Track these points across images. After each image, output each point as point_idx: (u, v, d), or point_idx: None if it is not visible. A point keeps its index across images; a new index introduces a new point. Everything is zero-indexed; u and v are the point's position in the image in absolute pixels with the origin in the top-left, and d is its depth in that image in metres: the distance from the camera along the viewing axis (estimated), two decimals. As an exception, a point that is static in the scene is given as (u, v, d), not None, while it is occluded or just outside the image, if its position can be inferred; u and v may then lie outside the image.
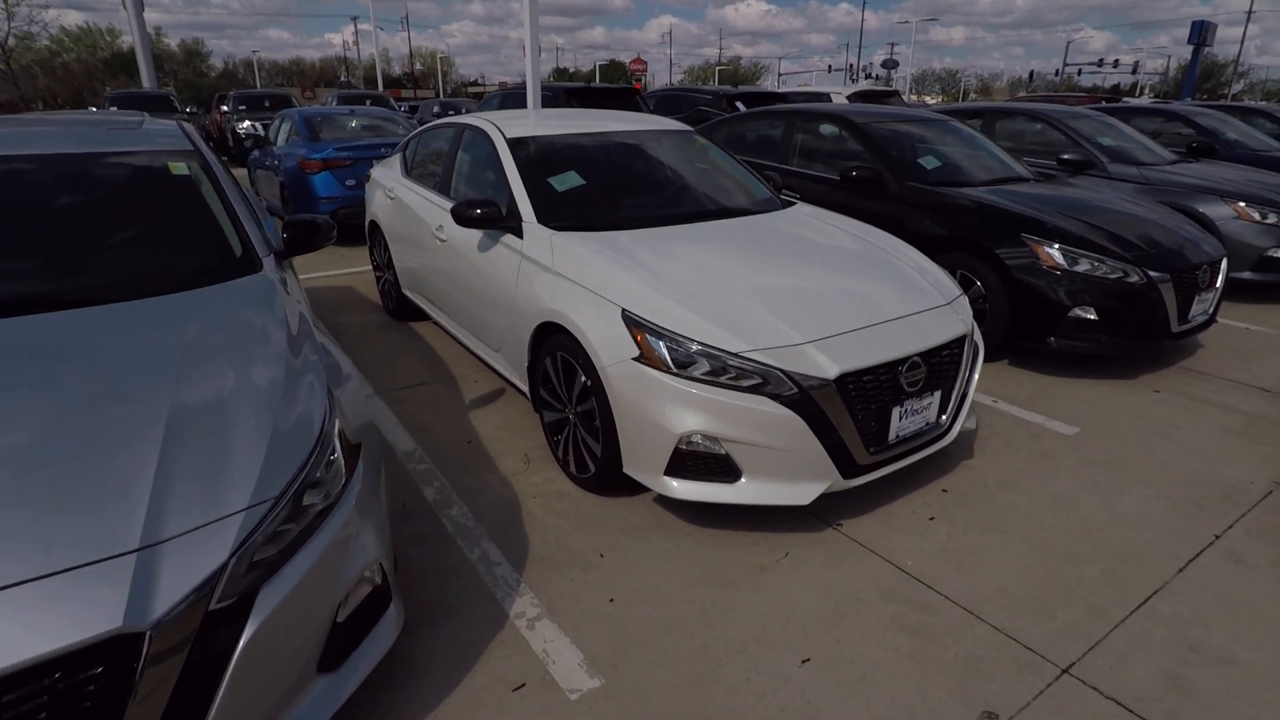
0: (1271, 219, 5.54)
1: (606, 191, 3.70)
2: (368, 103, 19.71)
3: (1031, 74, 73.23)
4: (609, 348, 2.68)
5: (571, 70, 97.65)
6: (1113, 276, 3.94)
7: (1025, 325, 4.18)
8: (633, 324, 2.64)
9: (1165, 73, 66.74)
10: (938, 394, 2.81)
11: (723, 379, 2.49)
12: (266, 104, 18.50)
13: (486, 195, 3.73)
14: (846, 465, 2.61)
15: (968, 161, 5.28)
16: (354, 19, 75.15)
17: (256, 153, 9.83)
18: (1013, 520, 2.85)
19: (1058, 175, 5.40)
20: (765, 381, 2.48)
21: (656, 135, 4.18)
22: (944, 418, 2.90)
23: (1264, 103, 12.09)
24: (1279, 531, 2.78)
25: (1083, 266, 3.97)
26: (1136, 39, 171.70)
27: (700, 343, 2.52)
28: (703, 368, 2.51)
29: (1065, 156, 6.28)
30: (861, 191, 4.91)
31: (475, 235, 3.66)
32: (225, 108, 19.03)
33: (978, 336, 3.11)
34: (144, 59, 23.30)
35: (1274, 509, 2.93)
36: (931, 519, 2.86)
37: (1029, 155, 6.70)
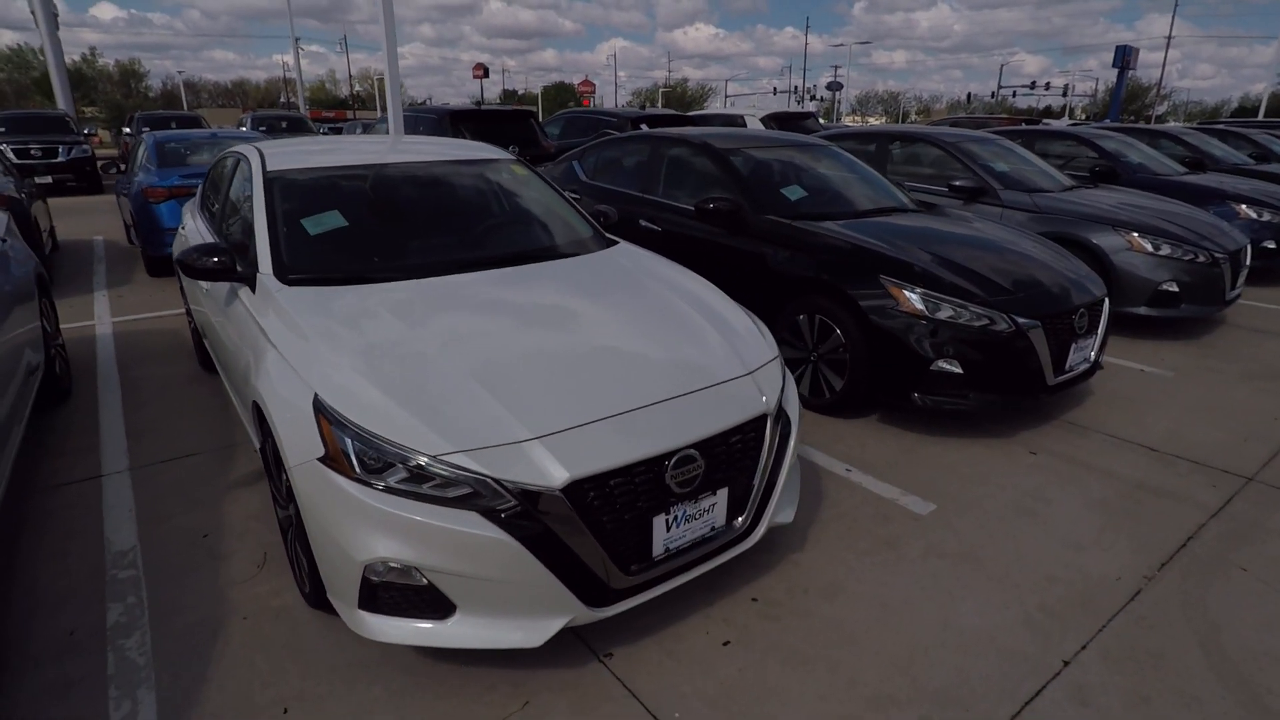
0: (1165, 250, 5.21)
1: (374, 234, 3.09)
2: (283, 125, 18.88)
3: (969, 96, 75.26)
4: (298, 442, 2.06)
5: (520, 92, 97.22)
6: (977, 324, 3.48)
7: (887, 380, 3.69)
8: (321, 413, 2.03)
9: (1094, 95, 69.24)
10: (725, 491, 2.25)
11: (424, 489, 1.89)
12: (173, 125, 17.49)
13: (238, 237, 3.11)
14: (594, 592, 2.02)
15: (841, 191, 4.83)
16: (296, 39, 73.33)
17: (121, 179, 9.03)
18: (825, 643, 2.30)
19: (938, 206, 4.98)
20: (476, 493, 1.89)
21: (461, 166, 3.59)
22: (740, 519, 2.33)
23: (1174, 124, 12.12)
24: (1139, 651, 2.28)
25: (945, 313, 3.50)
26: (1068, 62, 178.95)
27: (393, 442, 1.92)
28: (398, 475, 1.91)
29: (957, 183, 5.91)
30: (721, 225, 4.40)
31: (223, 285, 3.03)
32: (128, 129, 17.97)
33: (793, 408, 2.57)
34: (58, 79, 22.05)
35: (1139, 617, 2.44)
36: (726, 643, 2.29)
37: (925, 182, 6.33)
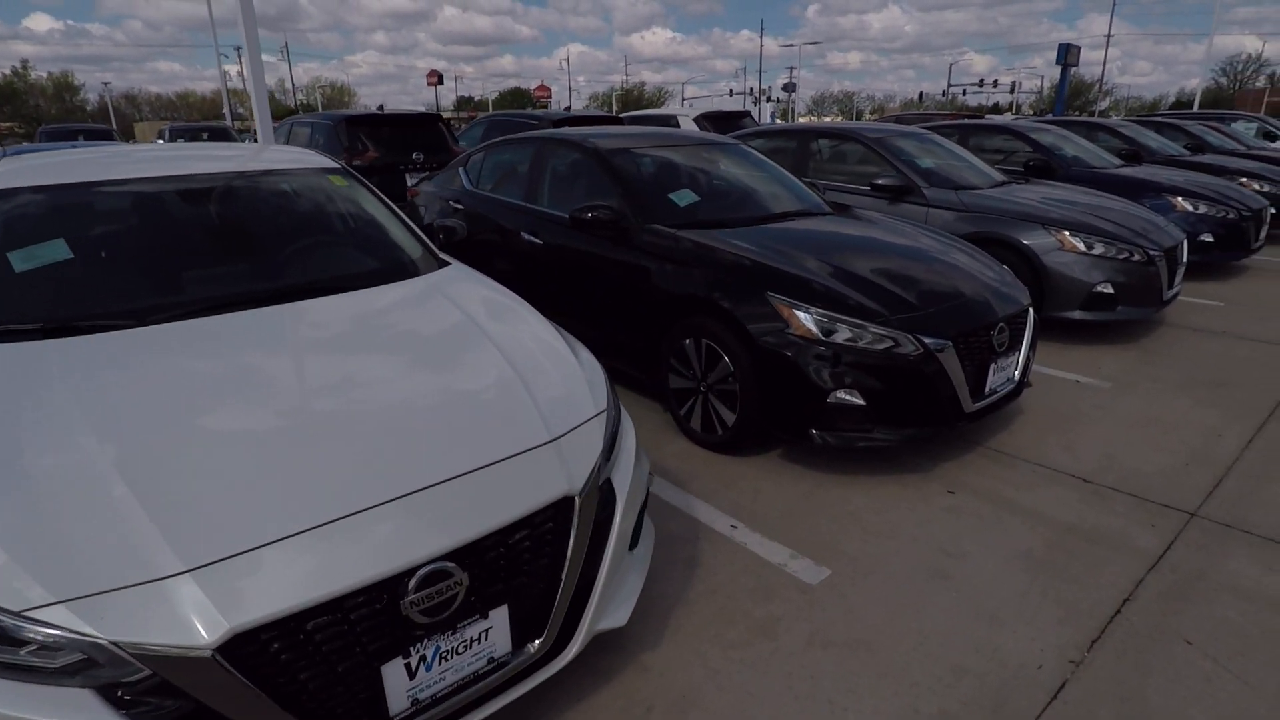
0: (1098, 249, 4.79)
1: (108, 268, 2.45)
2: (205, 135, 17.95)
3: (921, 95, 76.27)
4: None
5: (476, 98, 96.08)
6: (879, 348, 2.96)
7: (780, 414, 3.16)
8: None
9: (1040, 92, 70.62)
10: (503, 610, 1.68)
11: (23, 655, 1.29)
12: (80, 138, 16.49)
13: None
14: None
15: (742, 195, 4.32)
16: (237, 49, 71.46)
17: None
18: (657, 797, 1.74)
19: (852, 209, 4.49)
20: (89, 661, 1.29)
21: (258, 178, 2.98)
22: (536, 642, 1.77)
23: (1112, 118, 11.96)
24: (1060, 785, 1.76)
25: (842, 335, 2.98)
26: (1014, 61, 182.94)
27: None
28: (-18, 632, 1.30)
29: (880, 182, 5.45)
30: (601, 236, 3.85)
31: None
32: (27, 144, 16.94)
33: (624, 476, 2.02)
34: None
35: (1061, 726, 1.93)
36: (528, 806, 1.72)
37: (850, 181, 5.86)
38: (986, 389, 3.22)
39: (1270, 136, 14.55)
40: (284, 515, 1.48)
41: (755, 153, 4.87)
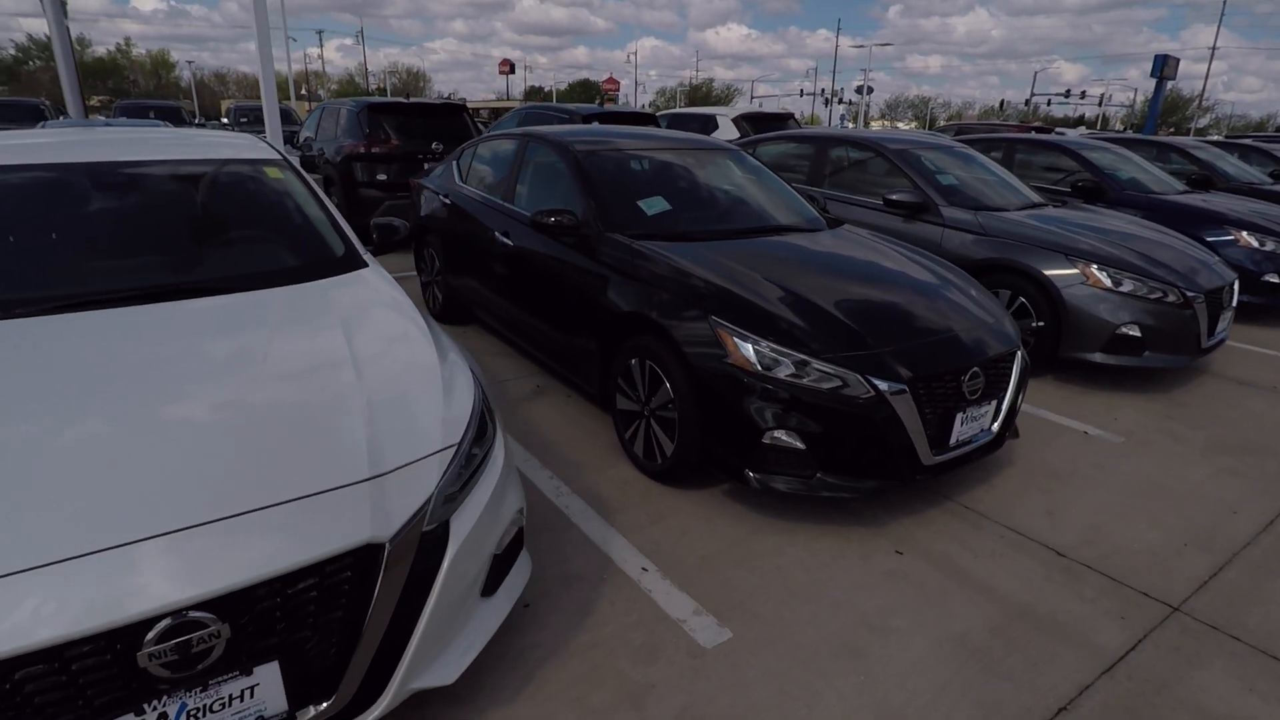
0: (1127, 286, 4.32)
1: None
2: (151, 114, 17.77)
3: (1002, 103, 73.24)
4: None
5: (547, 89, 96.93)
6: (825, 386, 2.66)
7: (715, 449, 2.89)
8: None
9: (1132, 105, 66.93)
10: (274, 667, 1.49)
11: None
12: (150, 114, 17.06)
13: None
14: None
15: (721, 205, 4.03)
16: (319, 33, 74.07)
17: None
18: None
19: (846, 226, 4.14)
20: None
21: (180, 166, 2.88)
22: (324, 704, 1.57)
23: (1184, 138, 11.10)
24: None
25: (784, 370, 2.69)
26: (1107, 71, 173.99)
27: None
28: None
29: (893, 197, 5.07)
30: (564, 243, 3.64)
31: None
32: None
33: (467, 518, 1.81)
34: (65, 66, 21.80)
35: None
36: None
37: (865, 194, 5.49)
38: (952, 440, 2.87)
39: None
40: (19, 547, 1.32)
41: (752, 160, 4.56)
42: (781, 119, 11.19)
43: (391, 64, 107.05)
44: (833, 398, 2.65)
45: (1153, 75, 38.91)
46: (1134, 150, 8.79)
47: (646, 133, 4.58)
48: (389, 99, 8.52)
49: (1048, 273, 4.44)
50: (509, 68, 74.21)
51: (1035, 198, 5.58)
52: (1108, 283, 4.32)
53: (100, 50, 74.18)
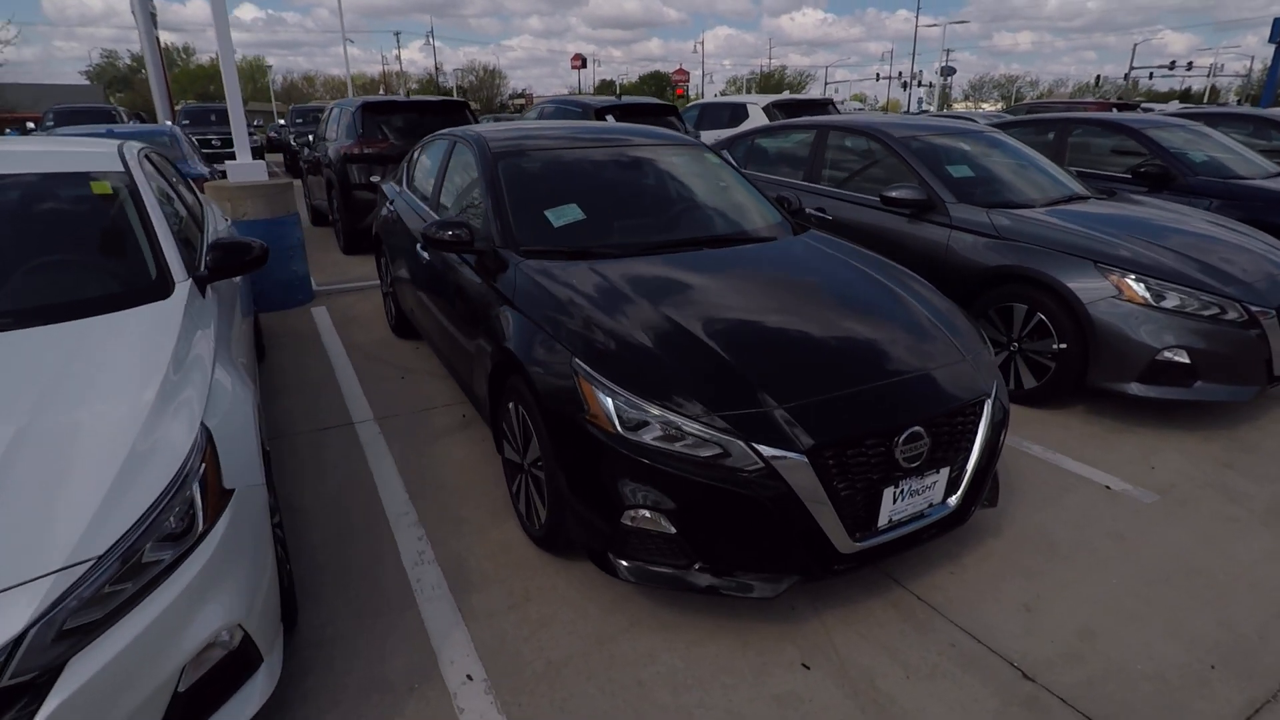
0: (1172, 300, 3.47)
1: None
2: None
3: (1098, 78, 68.33)
4: None
5: (617, 81, 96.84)
6: (701, 454, 2.05)
7: (579, 523, 2.33)
8: None
9: (1249, 74, 60.92)
10: None
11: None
12: (212, 118, 17.54)
13: None
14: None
15: (657, 212, 3.43)
16: (396, 34, 75.78)
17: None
18: None
19: (812, 232, 3.46)
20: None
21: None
22: None
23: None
24: None
25: (650, 433, 2.10)
26: (1220, 40, 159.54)
27: None
28: None
29: (891, 194, 4.33)
30: (470, 260, 3.14)
31: None
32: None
33: (94, 661, 1.33)
34: (154, 74, 22.79)
35: None
36: None
37: (866, 189, 4.75)
38: (882, 521, 2.21)
39: None
40: None
41: (715, 158, 3.92)
42: (820, 105, 10.32)
43: (469, 62, 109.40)
44: (710, 470, 2.04)
45: (1271, 40, 35.19)
46: (1222, 125, 7.61)
47: (596, 129, 3.99)
48: (386, 97, 8.19)
49: (1070, 284, 3.63)
50: (581, 62, 74.53)
51: (1076, 189, 4.70)
52: (1146, 296, 3.48)
53: (204, 58, 79.00)
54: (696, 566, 2.14)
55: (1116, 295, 3.53)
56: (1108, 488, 3.14)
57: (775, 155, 5.65)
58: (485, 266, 2.97)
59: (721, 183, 3.73)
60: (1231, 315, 3.42)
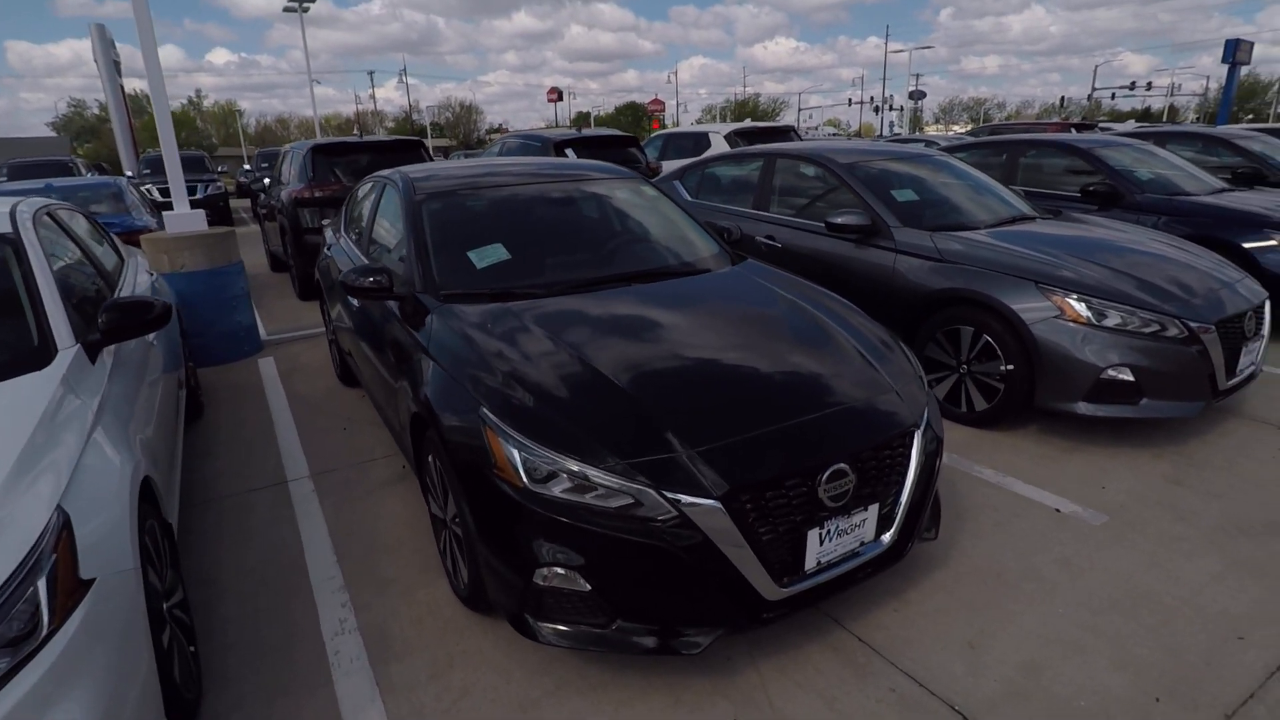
0: (1113, 319, 3.45)
1: None
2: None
3: (1063, 99, 69.98)
4: None
5: (598, 113, 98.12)
6: (613, 505, 1.96)
7: (490, 589, 2.22)
8: None
9: (1204, 94, 62.82)
10: None
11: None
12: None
13: None
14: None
15: (589, 249, 3.38)
16: (370, 73, 76.28)
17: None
18: None
19: (749, 264, 3.41)
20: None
21: None
22: None
23: (1234, 127, 9.84)
24: None
25: (560, 485, 2.00)
26: (1177, 60, 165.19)
27: None
28: None
29: (836, 220, 4.31)
30: (393, 306, 3.05)
31: None
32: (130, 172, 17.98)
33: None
34: (119, 123, 22.61)
35: None
36: None
37: (811, 215, 4.74)
38: (809, 564, 2.12)
39: None
40: None
41: (653, 190, 3.89)
42: (781, 132, 10.43)
43: (446, 98, 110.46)
44: (622, 521, 1.95)
45: (1225, 61, 36.40)
46: (1172, 144, 7.74)
47: (527, 165, 3.95)
48: (336, 139, 8.14)
49: (1013, 306, 3.60)
50: (557, 95, 75.47)
51: (1023, 209, 4.71)
52: (1088, 316, 3.46)
53: (175, 104, 79.20)
54: (615, 625, 2.03)
55: (1059, 315, 3.50)
56: (1058, 510, 3.08)
57: (727, 183, 5.65)
58: (406, 313, 2.89)
59: (658, 215, 3.69)
60: (1172, 332, 3.40)
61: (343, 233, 4.45)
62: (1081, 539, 2.87)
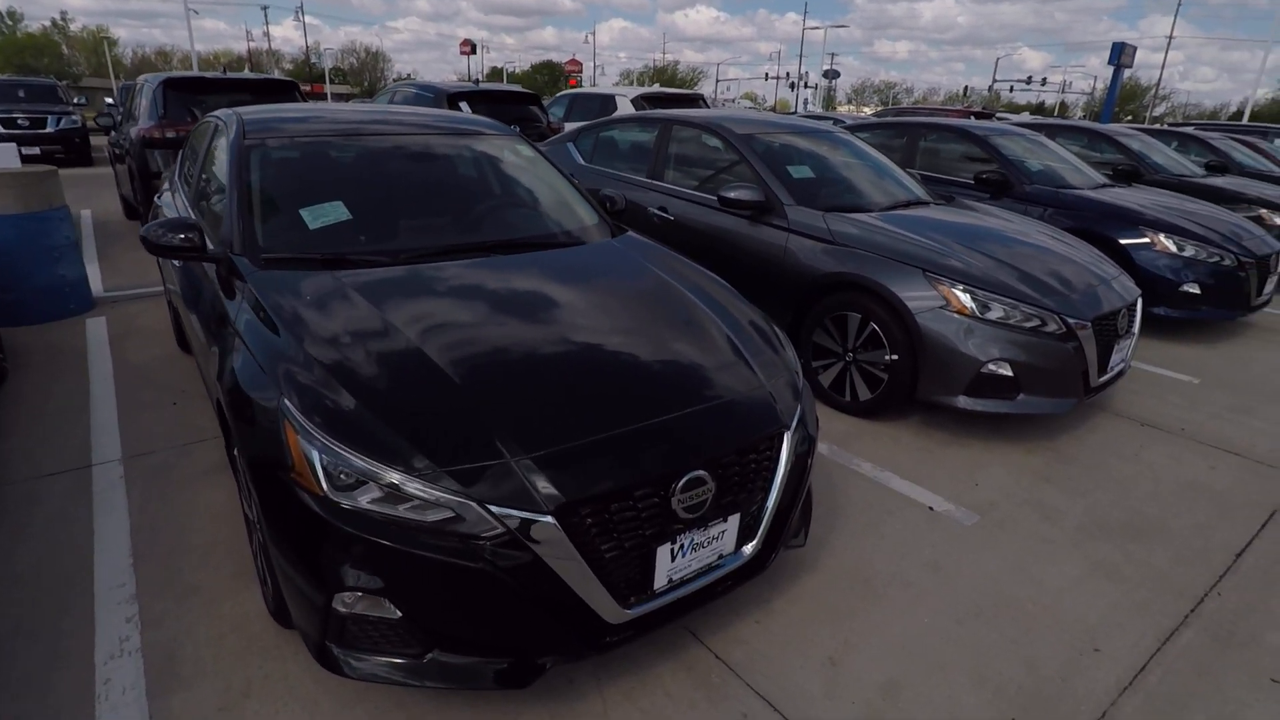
0: (995, 312, 3.39)
1: None
2: (21, 93, 15.90)
3: (966, 89, 72.96)
4: None
5: (513, 70, 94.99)
6: (430, 519, 1.66)
7: (293, 616, 1.89)
8: None
9: (1092, 92, 66.96)
10: None
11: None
12: (20, 94, 15.32)
13: None
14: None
15: (447, 211, 3.02)
16: (264, 8, 70.13)
17: None
18: None
19: (623, 236, 3.15)
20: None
21: None
22: None
23: (1119, 125, 10.34)
24: None
25: (366, 496, 1.69)
26: (1070, 59, 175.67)
27: None
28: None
29: (729, 195, 4.09)
30: (216, 272, 2.60)
31: None
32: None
33: None
34: None
35: None
36: None
37: (706, 189, 4.50)
38: (659, 582, 1.90)
39: (1320, 155, 12.65)
40: None
41: (530, 150, 3.53)
42: (690, 100, 10.14)
43: (350, 43, 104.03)
44: (440, 538, 1.66)
45: (1110, 63, 38.67)
46: (1060, 137, 7.96)
47: (384, 114, 3.50)
48: (194, 73, 7.25)
49: (900, 293, 3.50)
50: (470, 48, 72.39)
51: (918, 194, 4.64)
52: (972, 307, 3.39)
53: (34, 26, 70.87)
54: (430, 657, 1.75)
55: (944, 305, 3.42)
56: (931, 509, 3.00)
57: (622, 149, 5.34)
58: (220, 277, 2.46)
59: (533, 178, 3.36)
60: (1051, 327, 3.38)
61: (177, 181, 3.88)
62: (952, 540, 2.80)
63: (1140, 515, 3.02)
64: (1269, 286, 5.49)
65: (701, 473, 1.89)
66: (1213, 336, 5.48)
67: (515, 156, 3.44)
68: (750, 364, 2.27)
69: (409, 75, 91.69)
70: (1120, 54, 38.09)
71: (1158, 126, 11.76)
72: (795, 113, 34.28)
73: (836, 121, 8.74)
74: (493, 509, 1.66)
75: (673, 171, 4.79)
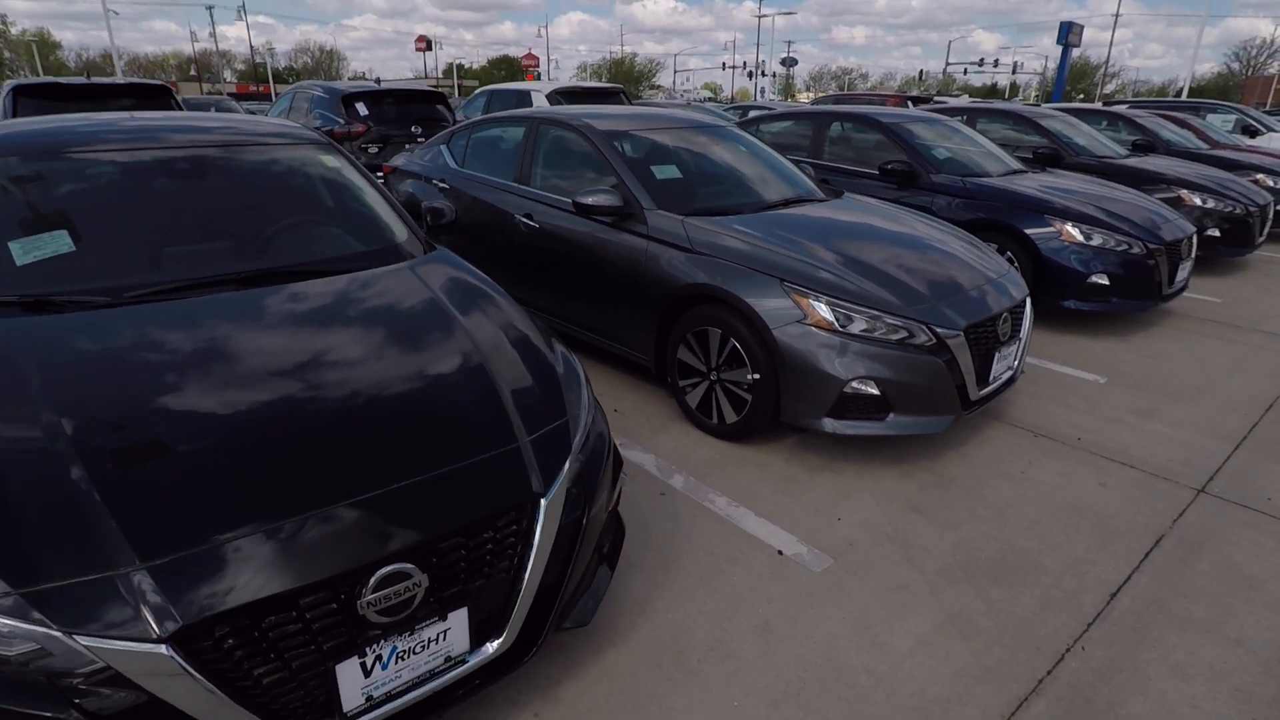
0: (859, 325, 3.06)
1: None
2: None
3: (921, 73, 73.27)
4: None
5: (469, 66, 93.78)
6: (14, 653, 1.27)
7: None
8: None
9: (1043, 73, 67.67)
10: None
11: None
12: None
13: None
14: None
15: (207, 233, 2.60)
16: (210, 8, 67.85)
17: None
18: None
19: (438, 251, 2.76)
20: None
21: None
22: None
23: (1044, 106, 10.15)
24: None
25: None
26: (1022, 40, 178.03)
27: None
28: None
29: (585, 200, 3.72)
30: None
31: None
32: None
33: None
34: None
35: None
36: None
37: (567, 190, 4.11)
38: (351, 703, 1.52)
39: (1251, 131, 12.66)
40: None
41: (337, 160, 3.12)
42: (609, 94, 9.73)
43: (304, 41, 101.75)
44: (22, 677, 1.27)
45: (1059, 43, 39.01)
46: (984, 121, 7.73)
47: (161, 120, 3.03)
48: (48, 80, 6.70)
49: (757, 307, 3.16)
50: (425, 45, 71.20)
51: (804, 190, 4.31)
52: (833, 320, 3.06)
53: (-31, 25, 68.18)
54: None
55: (803, 319, 3.08)
56: (780, 553, 2.67)
57: (494, 152, 4.92)
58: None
59: (332, 192, 2.95)
60: (920, 339, 3.06)
61: None
62: (793, 593, 2.46)
63: (1013, 549, 2.72)
64: (1181, 274, 5.27)
65: (406, 565, 1.52)
66: (1125, 329, 5.25)
67: (318, 168, 3.03)
68: (510, 419, 1.90)
69: (364, 74, 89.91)
70: (1068, 33, 38.40)
71: (1086, 105, 11.62)
72: (754, 102, 33.97)
73: (746, 111, 8.41)
74: (81, 640, 1.28)
75: (540, 175, 4.40)
